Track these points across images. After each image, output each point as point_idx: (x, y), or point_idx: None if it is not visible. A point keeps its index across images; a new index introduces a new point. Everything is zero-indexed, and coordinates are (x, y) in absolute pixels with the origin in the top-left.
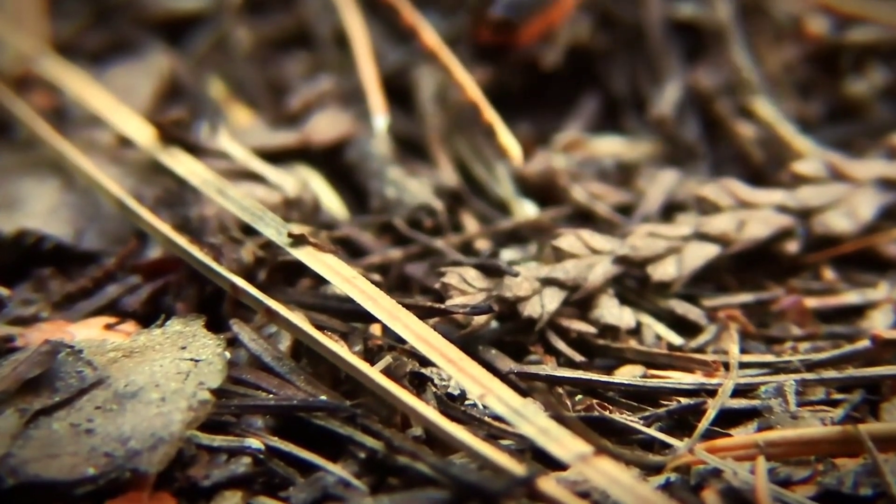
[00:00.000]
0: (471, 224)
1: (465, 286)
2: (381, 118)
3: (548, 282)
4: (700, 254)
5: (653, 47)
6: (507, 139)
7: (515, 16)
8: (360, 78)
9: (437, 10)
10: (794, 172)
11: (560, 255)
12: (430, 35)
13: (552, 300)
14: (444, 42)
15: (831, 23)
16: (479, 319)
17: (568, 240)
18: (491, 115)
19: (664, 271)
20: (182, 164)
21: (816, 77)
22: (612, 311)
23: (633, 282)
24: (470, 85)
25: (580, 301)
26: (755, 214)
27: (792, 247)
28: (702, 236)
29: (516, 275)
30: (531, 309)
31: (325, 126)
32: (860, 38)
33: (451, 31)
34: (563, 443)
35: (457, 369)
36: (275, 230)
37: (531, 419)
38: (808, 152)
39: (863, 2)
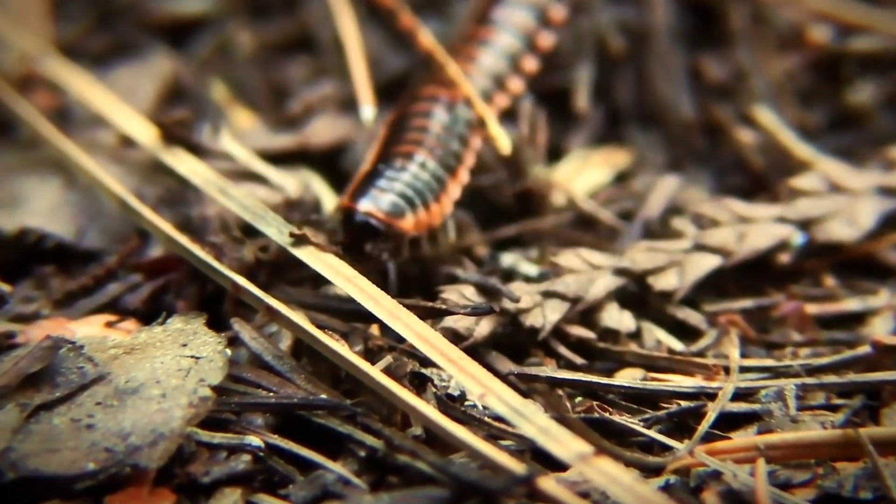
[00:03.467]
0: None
1: (466, 301)
2: (368, 108)
3: (549, 294)
4: (701, 265)
5: (657, 53)
6: (497, 130)
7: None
8: (350, 70)
9: (437, 16)
10: (792, 187)
11: (560, 271)
12: (426, 36)
13: (554, 311)
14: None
15: (833, 32)
16: (482, 330)
17: (566, 258)
18: (482, 108)
19: (666, 282)
20: (184, 163)
21: (818, 85)
22: (613, 316)
23: (635, 288)
24: (464, 82)
25: (583, 312)
26: (755, 226)
27: (784, 258)
28: (702, 248)
29: (517, 300)
30: (533, 319)
31: (324, 129)
32: (862, 47)
33: (450, 35)
34: (563, 442)
35: (457, 369)
36: (276, 230)
37: (531, 419)
38: (809, 160)
39: (865, 11)
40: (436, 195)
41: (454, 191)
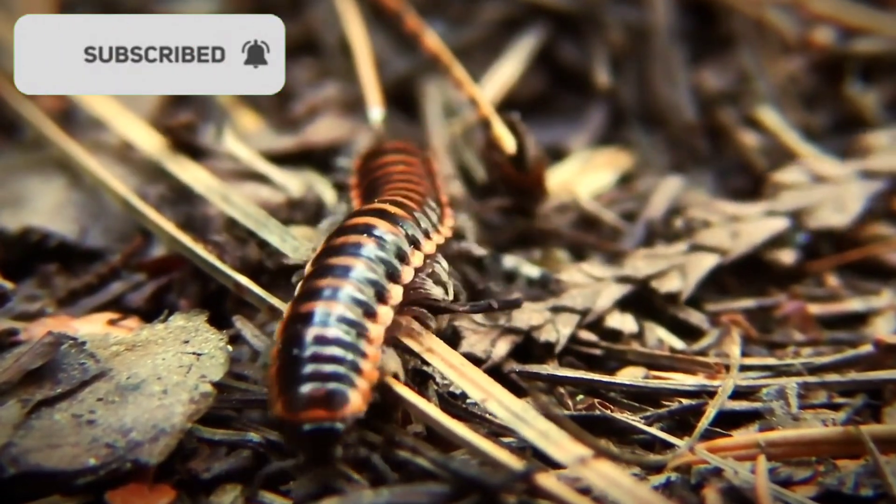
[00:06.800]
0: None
1: (476, 325)
2: (377, 110)
3: (558, 309)
4: (701, 265)
5: (659, 55)
6: (501, 130)
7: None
8: (357, 73)
9: (445, 19)
10: (776, 182)
11: (564, 286)
12: (432, 39)
13: (566, 325)
14: (450, 49)
15: (836, 34)
16: (500, 351)
17: (570, 273)
18: (487, 108)
19: (670, 284)
20: (187, 170)
21: (821, 87)
22: (615, 318)
23: (639, 293)
24: (468, 83)
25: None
26: (746, 223)
27: (787, 257)
28: (699, 248)
29: (518, 305)
30: (547, 335)
31: (327, 130)
32: (865, 49)
33: (457, 39)
34: (562, 446)
35: (458, 374)
36: (279, 237)
37: (531, 423)
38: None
39: (868, 14)
40: (361, 352)
41: (377, 336)
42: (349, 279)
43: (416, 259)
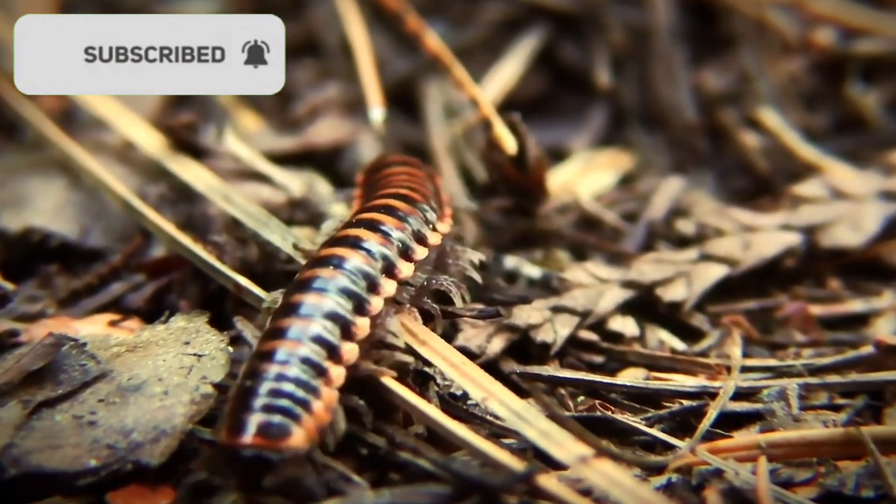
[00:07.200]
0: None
1: (474, 320)
2: (377, 110)
3: (559, 309)
4: (709, 275)
5: (660, 55)
6: (502, 131)
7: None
8: (358, 73)
9: (445, 19)
10: (795, 195)
11: (568, 285)
12: (432, 39)
13: (565, 326)
14: (451, 50)
15: (837, 35)
16: (495, 347)
17: (574, 272)
18: (488, 109)
19: (674, 292)
20: (188, 170)
21: (822, 88)
22: (616, 320)
23: (643, 299)
24: (469, 84)
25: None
26: (760, 235)
27: (789, 261)
28: (709, 257)
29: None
30: (545, 335)
31: (328, 131)
32: (866, 49)
33: (457, 40)
34: (564, 445)
35: (459, 374)
36: (280, 236)
37: (532, 422)
38: (814, 162)
39: (869, 14)
40: (314, 391)
41: (337, 376)
42: (313, 319)
43: (389, 287)
